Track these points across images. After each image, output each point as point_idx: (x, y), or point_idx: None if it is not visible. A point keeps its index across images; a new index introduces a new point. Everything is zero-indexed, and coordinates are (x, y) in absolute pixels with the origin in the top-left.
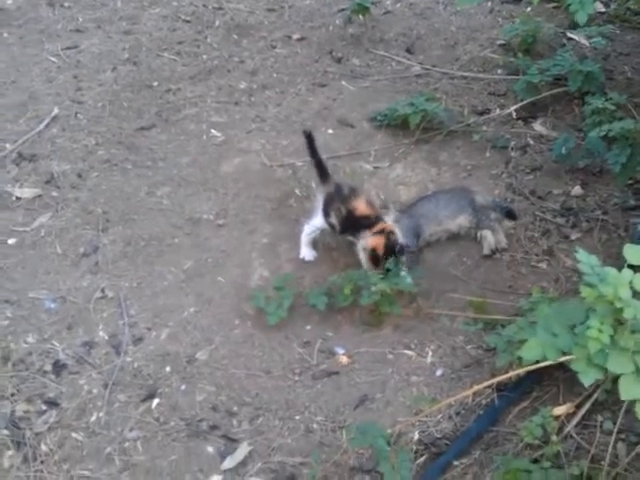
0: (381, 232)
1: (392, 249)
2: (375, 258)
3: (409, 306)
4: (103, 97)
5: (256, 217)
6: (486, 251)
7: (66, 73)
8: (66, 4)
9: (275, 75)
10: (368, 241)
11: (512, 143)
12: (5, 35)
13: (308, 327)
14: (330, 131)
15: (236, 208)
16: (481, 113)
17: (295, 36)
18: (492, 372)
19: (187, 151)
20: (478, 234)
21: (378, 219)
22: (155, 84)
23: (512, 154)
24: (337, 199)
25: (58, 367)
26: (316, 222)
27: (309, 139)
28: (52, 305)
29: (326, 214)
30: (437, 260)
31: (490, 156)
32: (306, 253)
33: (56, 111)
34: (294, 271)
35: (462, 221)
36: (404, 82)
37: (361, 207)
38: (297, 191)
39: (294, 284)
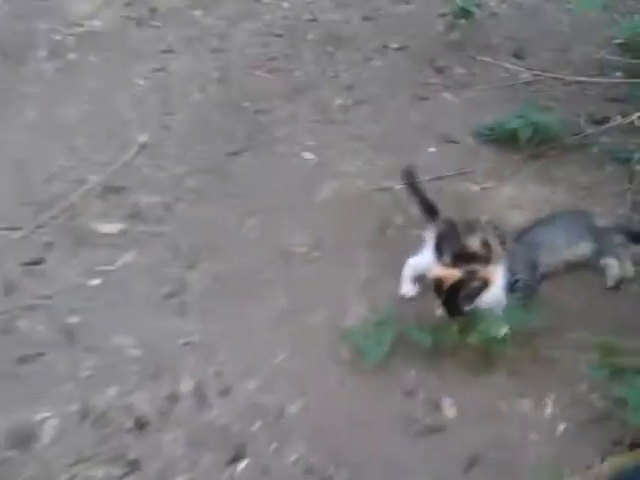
0: (465, 267)
1: (465, 290)
2: (438, 291)
3: (524, 347)
4: (192, 121)
5: (353, 248)
6: (610, 283)
7: (154, 97)
8: (155, 23)
9: (372, 89)
10: (437, 269)
11: (637, 156)
12: (92, 59)
13: (411, 372)
14: (432, 149)
15: (331, 239)
16: (600, 122)
17: (393, 45)
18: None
19: (279, 176)
20: (600, 263)
21: (488, 260)
22: (246, 104)
23: (637, 168)
24: (450, 237)
25: (140, 423)
26: (423, 260)
27: (409, 179)
28: (136, 353)
29: (439, 254)
30: (554, 294)
31: (611, 171)
32: (408, 289)
33: (144, 138)
34: (395, 309)
35: (582, 250)
36: (512, 91)
37: (475, 246)
38: (397, 219)
39: (395, 320)
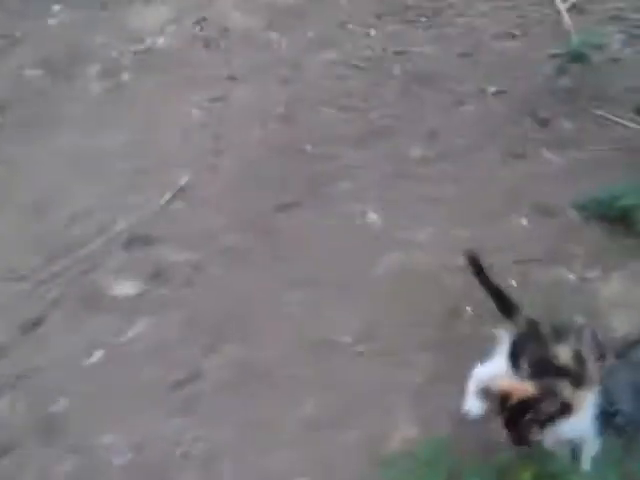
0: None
1: (535, 412)
2: (501, 407)
3: None
4: (243, 163)
5: (409, 343)
6: None
7: (206, 130)
8: (224, 44)
9: (459, 140)
10: (505, 380)
11: None
12: (147, 81)
13: None
14: (523, 221)
15: (384, 328)
16: None
17: (491, 89)
18: None
19: (334, 240)
20: None
21: (579, 380)
22: (308, 147)
23: None
24: (531, 343)
25: None
26: (493, 368)
27: (475, 264)
28: (123, 460)
29: (515, 363)
30: None
31: None
32: (473, 406)
33: (184, 180)
34: (453, 431)
35: None
36: (632, 155)
37: (563, 357)
38: (469, 308)
39: (449, 454)
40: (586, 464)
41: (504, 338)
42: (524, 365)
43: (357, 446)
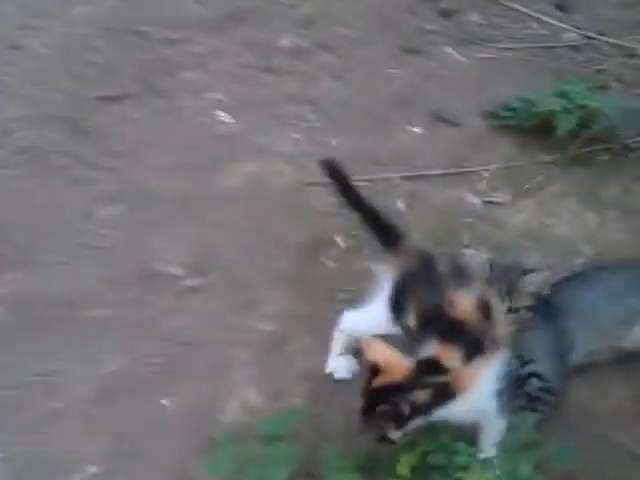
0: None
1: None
2: (365, 384)
3: None
4: (61, 43)
5: (259, 280)
6: None
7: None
8: None
9: (342, 29)
10: (378, 345)
11: None
12: None
13: None
14: (416, 129)
15: (228, 259)
16: None
17: None
18: None
19: (171, 144)
20: None
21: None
22: (148, 30)
23: None
24: (422, 286)
25: None
26: (368, 316)
27: (335, 177)
28: None
29: (397, 312)
30: (588, 409)
31: None
32: (338, 366)
33: None
34: (311, 400)
35: None
36: (550, 56)
37: (463, 306)
38: (339, 238)
39: (304, 432)
40: (488, 450)
41: (384, 277)
42: (410, 317)
43: (179, 418)
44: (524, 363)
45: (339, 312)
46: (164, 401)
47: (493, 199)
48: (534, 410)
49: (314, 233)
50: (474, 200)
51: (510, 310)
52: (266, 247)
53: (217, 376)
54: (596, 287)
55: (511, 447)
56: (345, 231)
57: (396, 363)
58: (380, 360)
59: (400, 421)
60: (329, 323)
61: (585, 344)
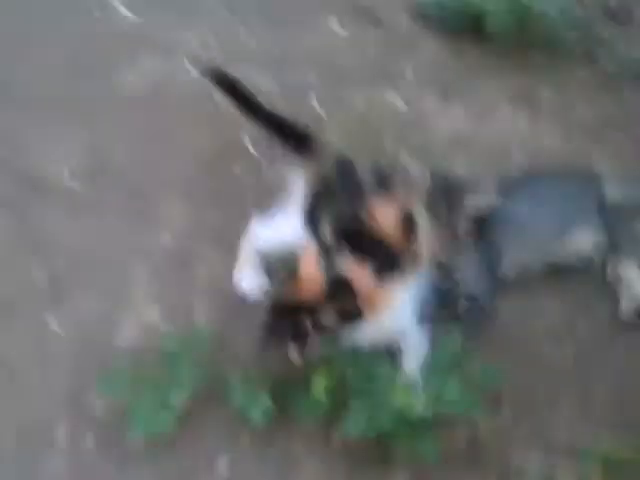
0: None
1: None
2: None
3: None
4: None
5: (162, 191)
6: (627, 310)
7: None
8: None
9: None
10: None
11: None
12: None
13: (221, 462)
14: (335, 27)
15: (126, 168)
16: (621, 19)
17: None
18: None
19: (61, 40)
20: (610, 269)
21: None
22: None
23: None
24: (340, 193)
25: None
26: (280, 228)
27: (221, 81)
28: None
29: (312, 220)
30: (521, 327)
31: (633, 101)
32: (247, 281)
33: None
34: (215, 320)
35: (579, 243)
36: None
37: (383, 220)
38: (250, 146)
39: (208, 351)
40: (412, 372)
41: (298, 186)
42: (324, 229)
43: (65, 344)
44: (451, 280)
45: (248, 224)
46: (51, 322)
47: (419, 103)
48: (462, 329)
49: (223, 140)
50: (399, 104)
51: (446, 233)
52: (169, 155)
53: (113, 294)
54: (527, 196)
55: (438, 367)
56: (257, 138)
57: (310, 279)
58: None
59: (302, 339)
60: (238, 237)
61: (516, 258)
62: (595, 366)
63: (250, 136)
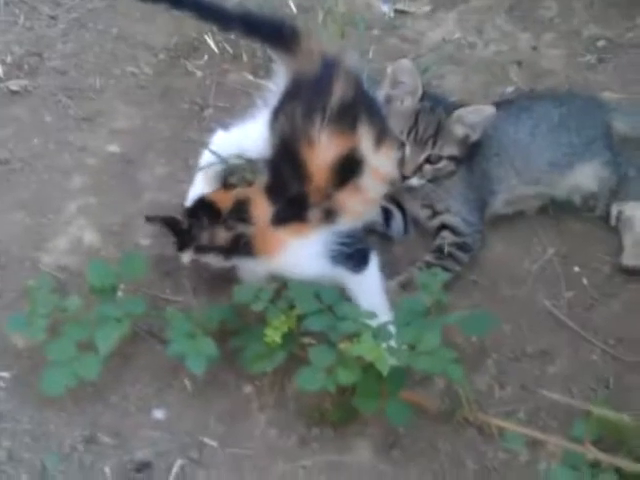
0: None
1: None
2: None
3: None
4: None
5: (108, 88)
6: (629, 259)
7: None
8: None
9: None
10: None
11: None
12: None
13: (159, 412)
14: None
15: (67, 58)
16: None
17: None
18: None
19: None
20: (614, 210)
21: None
22: None
23: None
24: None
25: None
26: (246, 136)
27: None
28: None
29: (273, 120)
30: (510, 269)
31: None
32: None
33: None
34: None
35: (583, 177)
36: None
37: (322, 152)
38: (211, 42)
39: (146, 284)
40: (383, 315)
41: (273, 85)
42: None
43: None
44: (434, 213)
45: (206, 132)
46: None
47: (406, 8)
48: (444, 268)
49: (180, 34)
50: (383, 8)
51: (430, 160)
52: (117, 47)
53: (41, 206)
54: (526, 122)
55: (414, 312)
56: (219, 32)
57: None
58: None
59: (188, 243)
60: (191, 146)
61: (510, 191)
62: (592, 315)
63: (214, 32)
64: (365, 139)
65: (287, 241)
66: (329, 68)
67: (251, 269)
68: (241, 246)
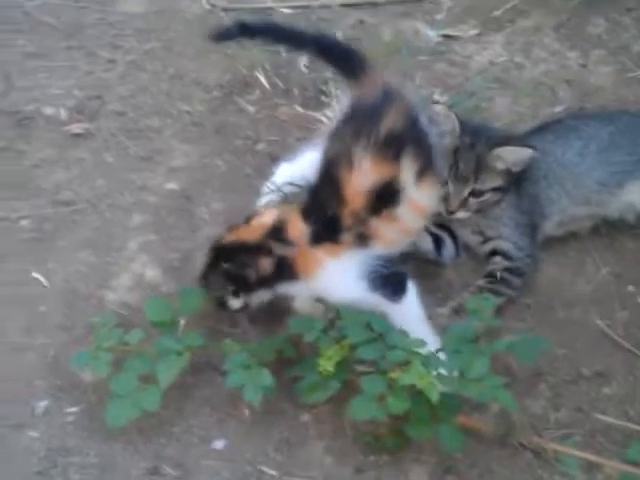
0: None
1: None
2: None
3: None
4: None
5: (165, 127)
6: None
7: None
8: None
9: None
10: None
11: None
12: None
13: (220, 443)
14: None
15: (125, 100)
16: None
17: None
18: None
19: None
20: None
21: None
22: None
23: None
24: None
25: None
26: (306, 166)
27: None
28: None
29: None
30: (564, 291)
31: None
32: None
33: None
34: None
35: (634, 195)
36: None
37: (357, 182)
38: (262, 78)
39: (206, 318)
40: (431, 342)
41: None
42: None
43: (51, 299)
44: (486, 240)
45: (259, 167)
46: (36, 274)
47: (453, 32)
48: (497, 293)
49: (232, 71)
50: (430, 33)
51: (474, 193)
52: (172, 87)
53: (104, 245)
54: (575, 142)
55: (464, 338)
56: (270, 68)
57: (258, 222)
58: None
59: (241, 286)
60: (245, 181)
61: (561, 212)
62: None
63: (264, 68)
64: (407, 171)
65: (324, 261)
66: (386, 98)
67: (298, 295)
68: (284, 270)
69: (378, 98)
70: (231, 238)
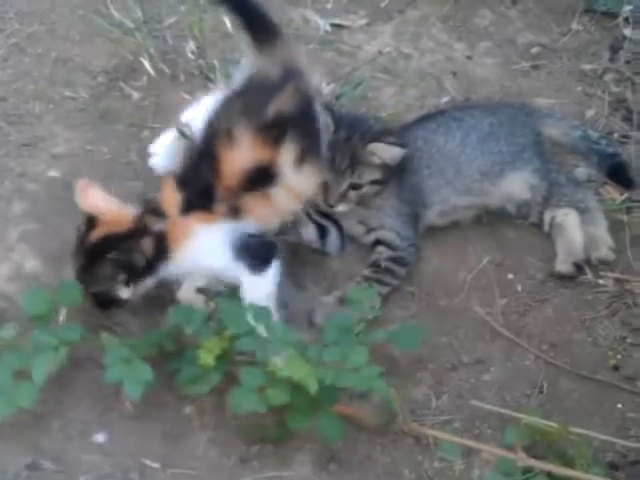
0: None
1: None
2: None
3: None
4: None
5: (47, 113)
6: (562, 265)
7: None
8: None
9: None
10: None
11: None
12: None
13: (100, 436)
14: None
15: (5, 84)
16: None
17: None
18: None
19: None
20: (547, 217)
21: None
22: None
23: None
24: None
25: None
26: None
27: None
28: None
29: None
30: (446, 279)
31: (583, 30)
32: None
33: None
34: None
35: (515, 185)
36: None
37: (241, 151)
38: (147, 64)
39: (86, 310)
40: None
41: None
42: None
43: None
44: (369, 230)
45: (144, 154)
46: None
47: (343, 22)
48: (382, 282)
49: (118, 56)
50: (320, 22)
51: (353, 186)
52: (56, 71)
53: None
54: (456, 133)
55: (343, 328)
56: (156, 54)
57: (115, 211)
58: (97, 210)
59: (131, 273)
60: (130, 167)
61: (443, 202)
62: (526, 321)
63: (150, 54)
64: (287, 155)
65: (194, 228)
66: (285, 76)
67: (175, 275)
68: (162, 247)
69: (276, 76)
70: (101, 232)
